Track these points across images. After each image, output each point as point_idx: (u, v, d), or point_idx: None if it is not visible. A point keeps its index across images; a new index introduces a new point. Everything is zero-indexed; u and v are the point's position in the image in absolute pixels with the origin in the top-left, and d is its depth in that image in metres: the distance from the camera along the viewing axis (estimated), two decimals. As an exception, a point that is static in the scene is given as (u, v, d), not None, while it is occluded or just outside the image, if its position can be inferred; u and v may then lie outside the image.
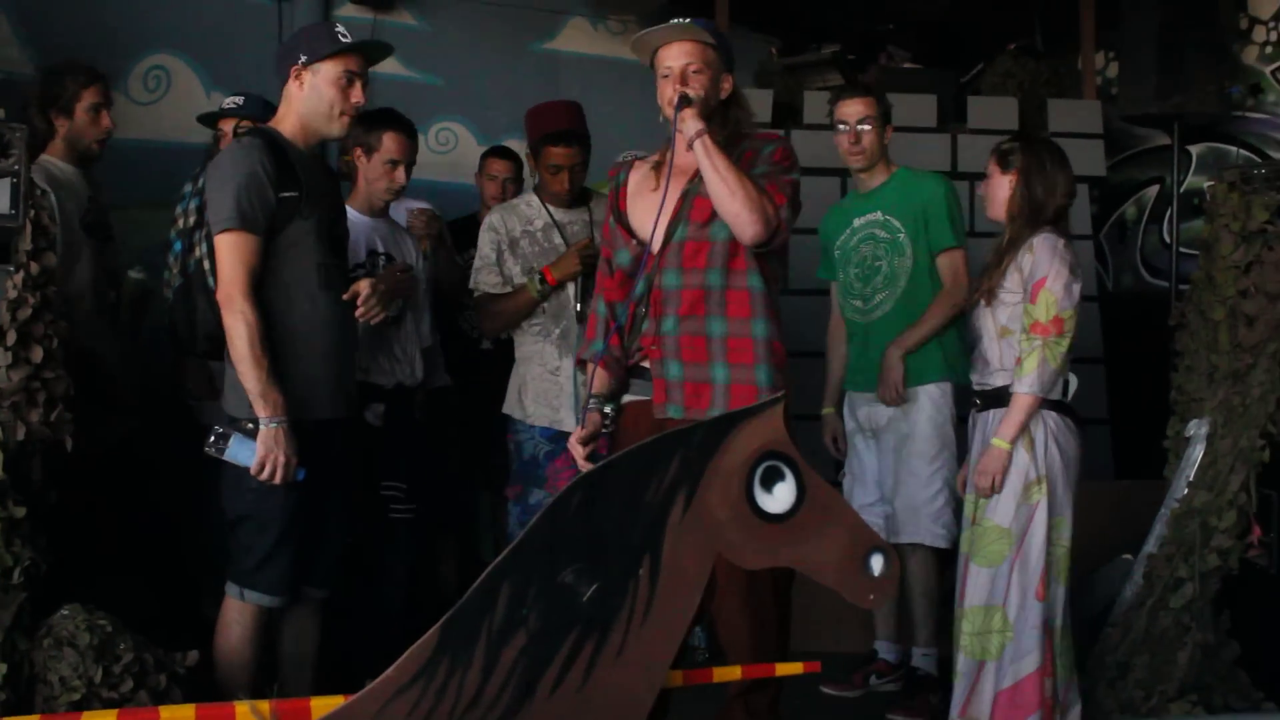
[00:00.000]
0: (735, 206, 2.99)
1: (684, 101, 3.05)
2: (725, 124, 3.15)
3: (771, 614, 3.13)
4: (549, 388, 4.02)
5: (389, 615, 3.88)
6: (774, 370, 3.06)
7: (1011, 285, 3.55)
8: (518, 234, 4.11)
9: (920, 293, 4.19)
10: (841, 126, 4.23)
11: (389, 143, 3.94)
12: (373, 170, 3.99)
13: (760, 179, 3.04)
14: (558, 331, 4.03)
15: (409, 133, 4.03)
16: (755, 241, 3.02)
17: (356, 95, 3.30)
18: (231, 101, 4.47)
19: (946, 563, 4.33)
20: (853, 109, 4.22)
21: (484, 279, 4.12)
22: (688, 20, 3.18)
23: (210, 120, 4.55)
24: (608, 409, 3.18)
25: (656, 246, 3.14)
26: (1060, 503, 3.47)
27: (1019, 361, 3.45)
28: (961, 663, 3.52)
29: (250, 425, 3.12)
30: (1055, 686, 3.43)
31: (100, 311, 4.04)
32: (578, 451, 3.09)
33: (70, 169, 4.08)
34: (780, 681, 3.11)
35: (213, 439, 3.14)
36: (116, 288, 4.25)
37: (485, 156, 5.13)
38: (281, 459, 3.11)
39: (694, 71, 3.10)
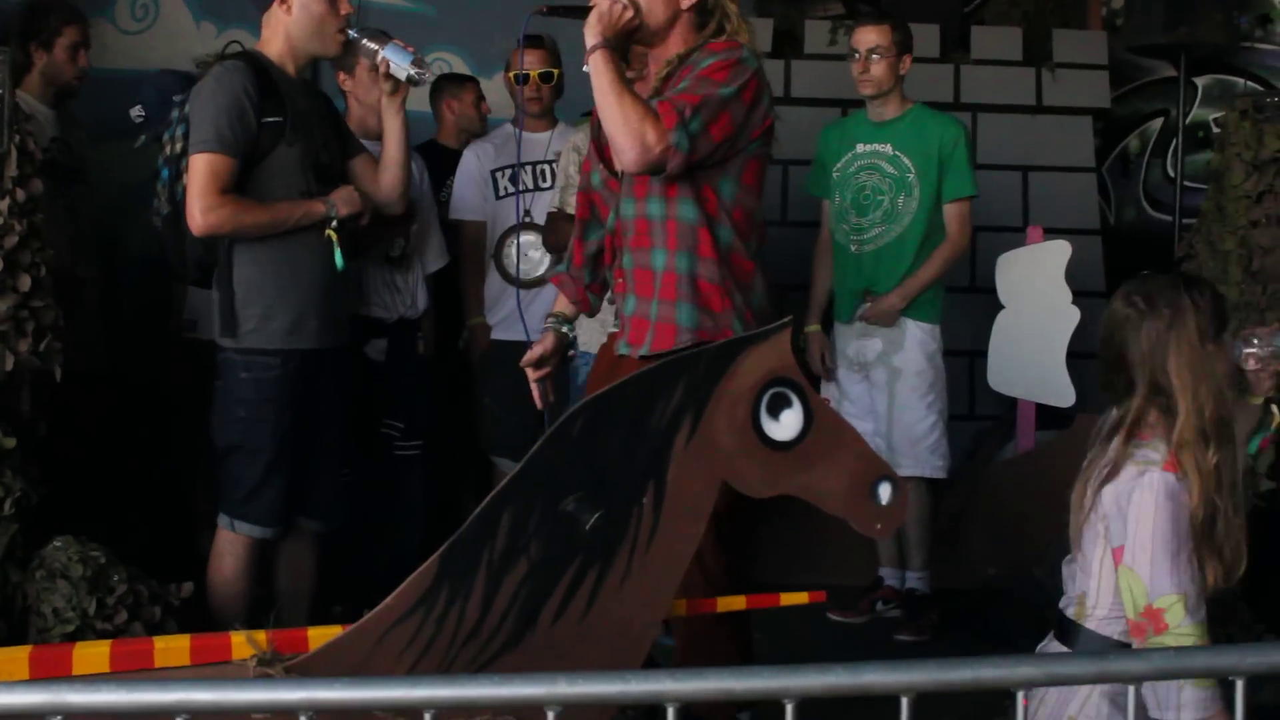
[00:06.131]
0: (610, 130, 2.68)
1: (575, 12, 2.79)
2: (689, 34, 2.82)
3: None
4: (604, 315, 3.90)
5: (406, 552, 3.84)
6: (698, 310, 2.76)
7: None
8: None
9: (921, 234, 4.20)
10: (854, 54, 4.19)
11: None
12: (360, 85, 3.93)
13: (673, 96, 2.68)
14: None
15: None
16: (634, 170, 2.71)
17: (345, 7, 3.26)
18: (137, 116, 4.35)
19: (941, 492, 4.42)
20: (864, 37, 4.19)
21: (568, 199, 4.01)
22: None
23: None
24: (565, 329, 3.00)
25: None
26: None
27: None
28: None
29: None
30: None
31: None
32: (531, 373, 2.93)
33: (43, 108, 4.06)
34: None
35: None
36: (84, 226, 4.16)
37: (459, 83, 4.92)
38: None
39: None
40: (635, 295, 2.85)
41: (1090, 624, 2.31)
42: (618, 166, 2.78)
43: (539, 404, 2.93)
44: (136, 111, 4.21)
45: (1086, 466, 2.35)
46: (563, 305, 3.06)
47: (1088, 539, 2.33)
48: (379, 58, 3.25)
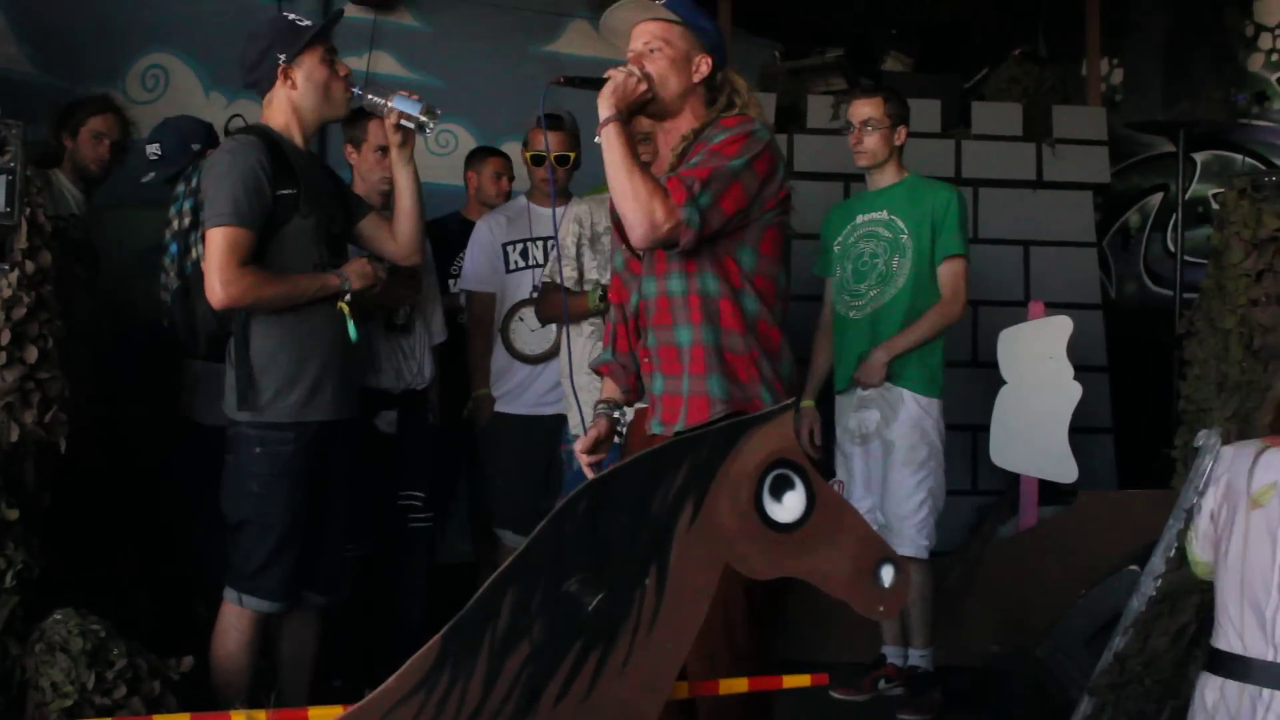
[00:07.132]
0: (621, 205, 2.68)
1: (591, 83, 2.76)
2: (700, 109, 2.84)
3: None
4: (595, 395, 3.93)
5: (408, 624, 3.84)
6: (728, 381, 2.75)
7: None
8: (600, 229, 4.05)
9: (916, 297, 4.23)
10: (849, 127, 4.29)
11: (376, 130, 3.91)
12: (365, 162, 3.97)
13: (683, 172, 2.69)
14: None
15: None
16: (644, 245, 2.71)
17: (343, 68, 3.32)
18: (153, 153, 4.42)
19: (944, 569, 4.38)
20: (858, 110, 4.29)
21: (561, 271, 4.06)
22: None
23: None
24: (617, 414, 3.01)
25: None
26: None
27: None
28: None
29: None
30: None
31: None
32: (583, 459, 2.92)
33: (75, 190, 4.26)
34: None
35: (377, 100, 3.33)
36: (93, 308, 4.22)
37: (482, 156, 4.99)
38: None
39: (650, 51, 2.78)
40: (662, 374, 2.84)
41: None
42: (631, 242, 2.77)
43: None
44: (153, 149, 4.28)
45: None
46: (611, 390, 3.06)
47: None
48: (387, 109, 3.30)
